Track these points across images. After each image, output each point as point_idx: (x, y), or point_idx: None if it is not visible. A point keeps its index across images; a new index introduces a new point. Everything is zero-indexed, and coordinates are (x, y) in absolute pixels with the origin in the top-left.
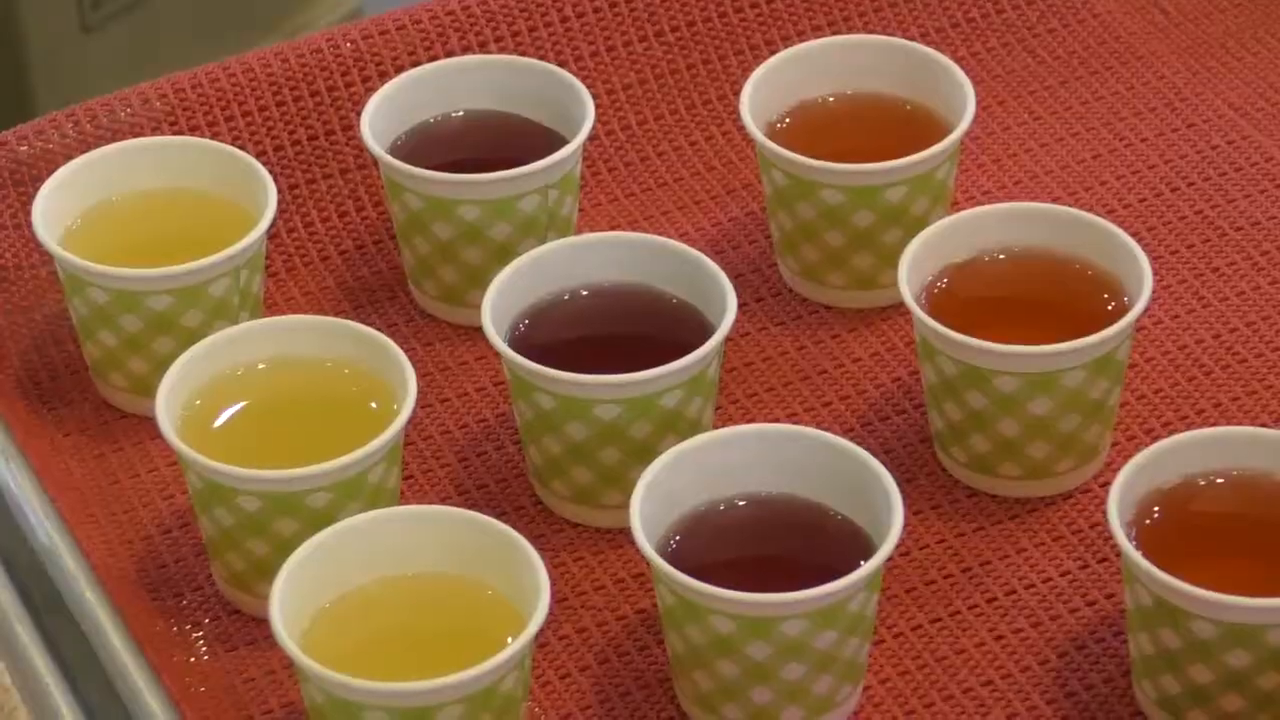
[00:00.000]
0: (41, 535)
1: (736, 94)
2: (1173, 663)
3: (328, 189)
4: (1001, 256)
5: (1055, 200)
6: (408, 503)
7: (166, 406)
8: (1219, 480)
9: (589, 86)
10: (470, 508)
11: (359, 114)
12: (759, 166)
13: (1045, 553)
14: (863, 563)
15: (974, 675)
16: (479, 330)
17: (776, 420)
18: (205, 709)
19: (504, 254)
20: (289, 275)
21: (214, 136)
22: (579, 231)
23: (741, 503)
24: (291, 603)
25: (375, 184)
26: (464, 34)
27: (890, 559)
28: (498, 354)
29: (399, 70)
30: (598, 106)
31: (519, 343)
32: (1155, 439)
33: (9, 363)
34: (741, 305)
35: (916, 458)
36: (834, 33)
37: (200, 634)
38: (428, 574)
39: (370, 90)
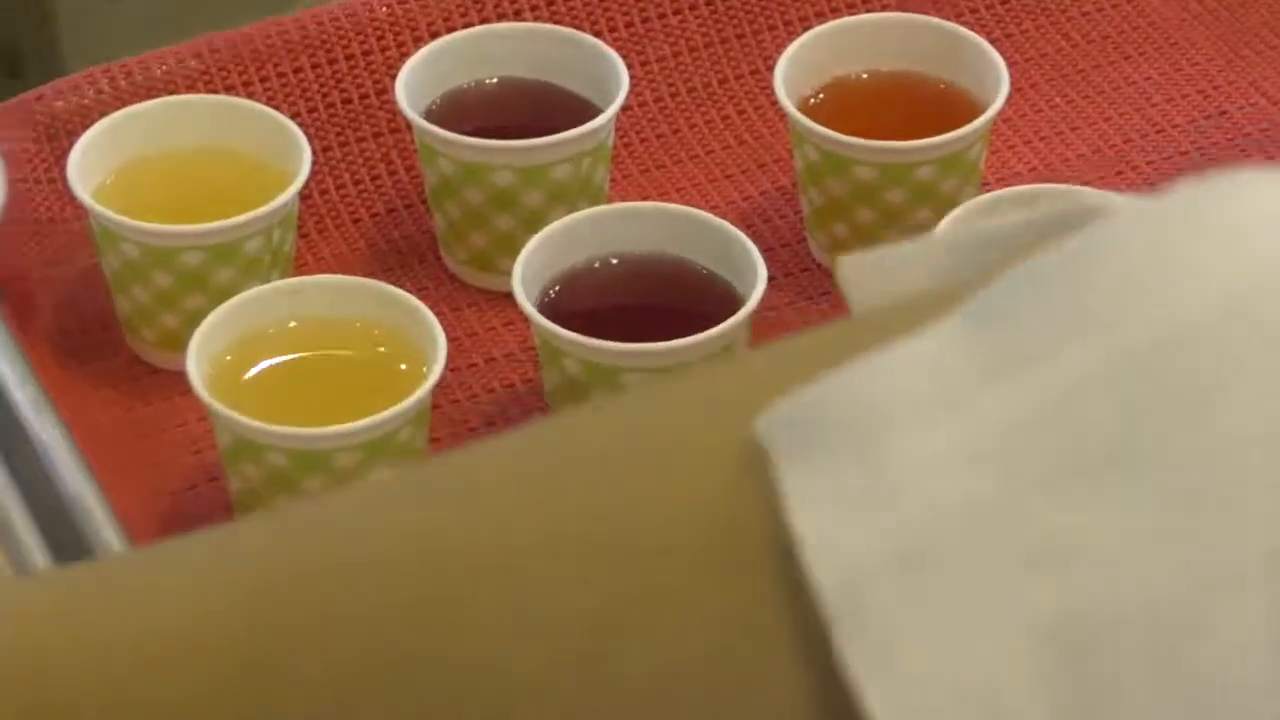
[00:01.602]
0: (70, 485)
1: (770, 69)
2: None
3: (360, 152)
4: None
5: (1086, 184)
6: None
7: (197, 362)
8: None
9: (623, 57)
10: None
11: (393, 78)
12: (791, 142)
13: None
14: None
15: None
16: (508, 296)
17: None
18: None
19: (535, 221)
20: (320, 236)
21: (248, 97)
22: (610, 202)
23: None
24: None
25: (408, 148)
26: (499, 1)
27: None
28: (526, 320)
29: (434, 35)
30: (631, 77)
31: (548, 309)
32: None
33: (41, 316)
34: (770, 279)
35: None
36: (869, 10)
37: None
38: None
39: (404, 55)
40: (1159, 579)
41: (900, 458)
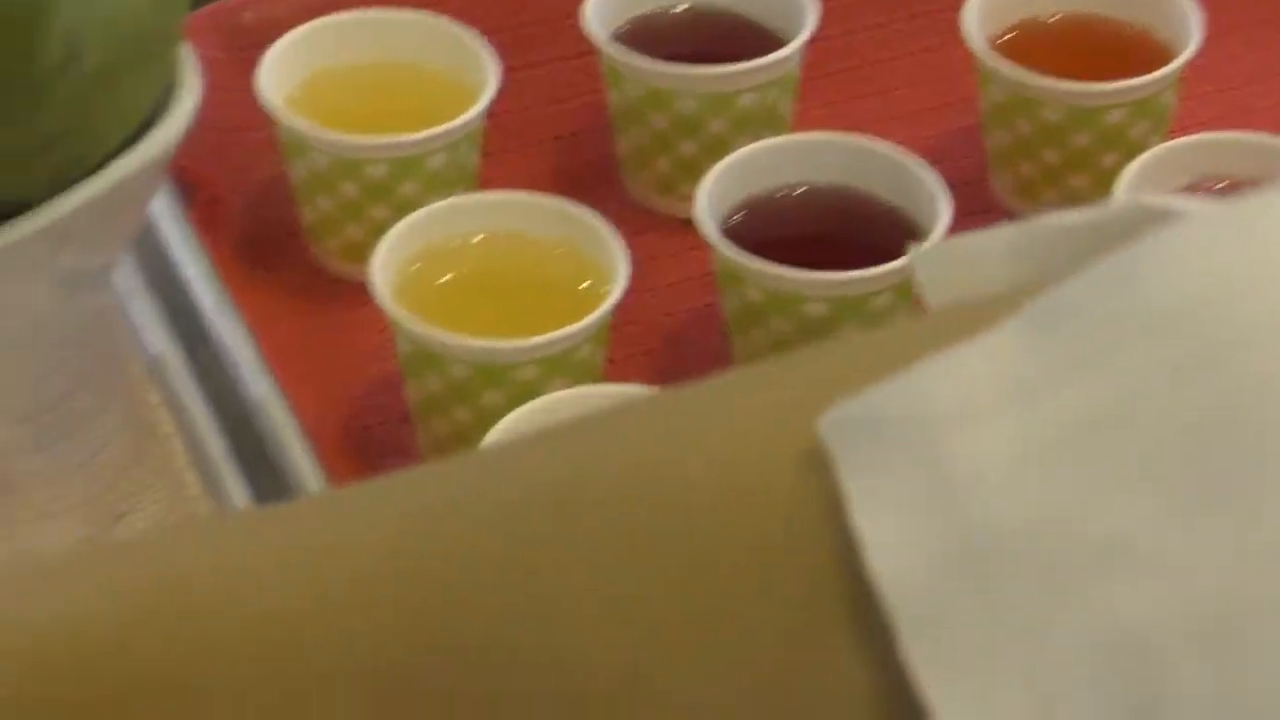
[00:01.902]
0: (254, 390)
1: (959, 6)
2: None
3: (547, 74)
4: (1220, 186)
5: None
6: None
7: (381, 272)
8: None
9: None
10: None
11: (582, 1)
12: (978, 80)
13: None
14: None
15: None
16: (688, 223)
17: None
18: None
19: (719, 148)
20: (503, 156)
21: (439, 14)
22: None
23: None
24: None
25: (594, 72)
26: None
27: None
28: (707, 245)
29: None
30: (820, 10)
31: (730, 235)
32: None
33: (228, 222)
34: (952, 219)
35: None
36: None
37: None
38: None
39: None
40: (1229, 590)
41: (962, 461)
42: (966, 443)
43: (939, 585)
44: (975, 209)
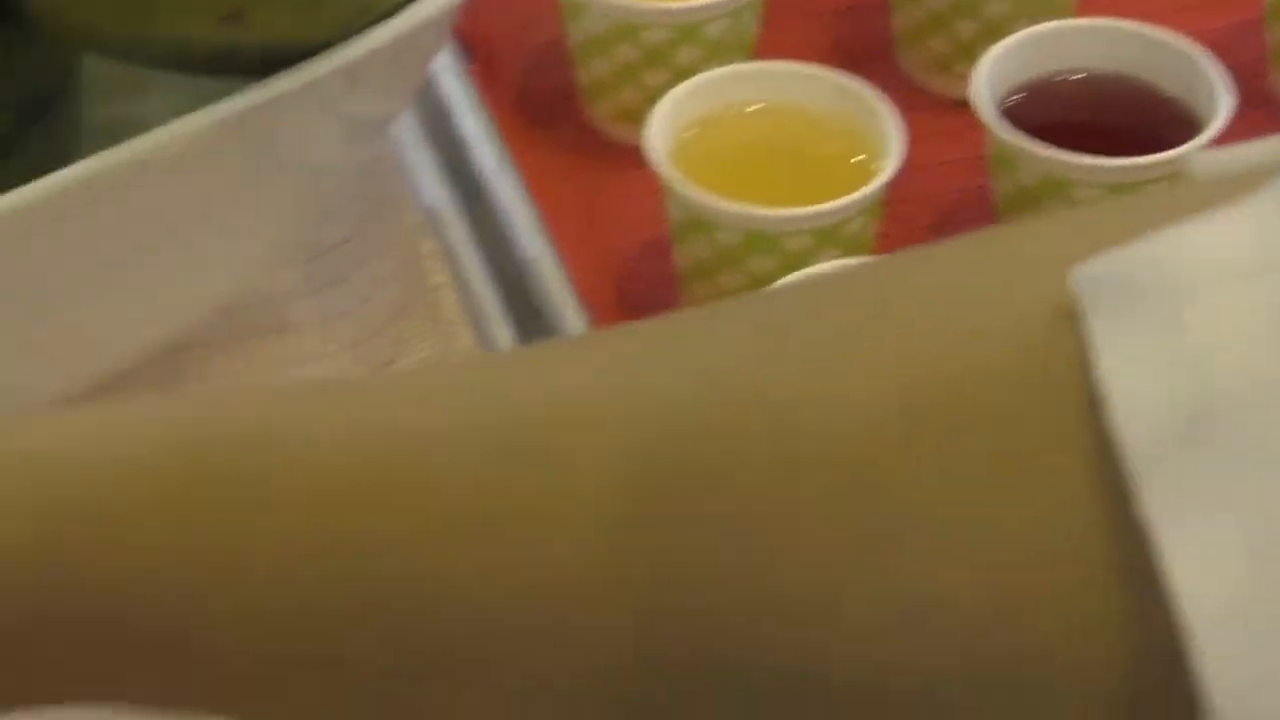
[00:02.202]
0: (528, 247)
1: None
2: None
3: None
4: None
5: None
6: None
7: (657, 137)
8: None
9: None
10: None
11: None
12: None
13: None
14: None
15: None
16: (961, 103)
17: None
18: None
19: (996, 30)
20: (780, 25)
21: None
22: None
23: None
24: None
25: None
26: None
27: None
28: (982, 127)
29: None
30: None
31: (1006, 118)
32: None
33: (507, 81)
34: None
35: None
36: None
37: None
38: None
39: None
40: None
41: (1206, 326)
42: (1211, 308)
43: (1176, 442)
44: (1255, 103)
